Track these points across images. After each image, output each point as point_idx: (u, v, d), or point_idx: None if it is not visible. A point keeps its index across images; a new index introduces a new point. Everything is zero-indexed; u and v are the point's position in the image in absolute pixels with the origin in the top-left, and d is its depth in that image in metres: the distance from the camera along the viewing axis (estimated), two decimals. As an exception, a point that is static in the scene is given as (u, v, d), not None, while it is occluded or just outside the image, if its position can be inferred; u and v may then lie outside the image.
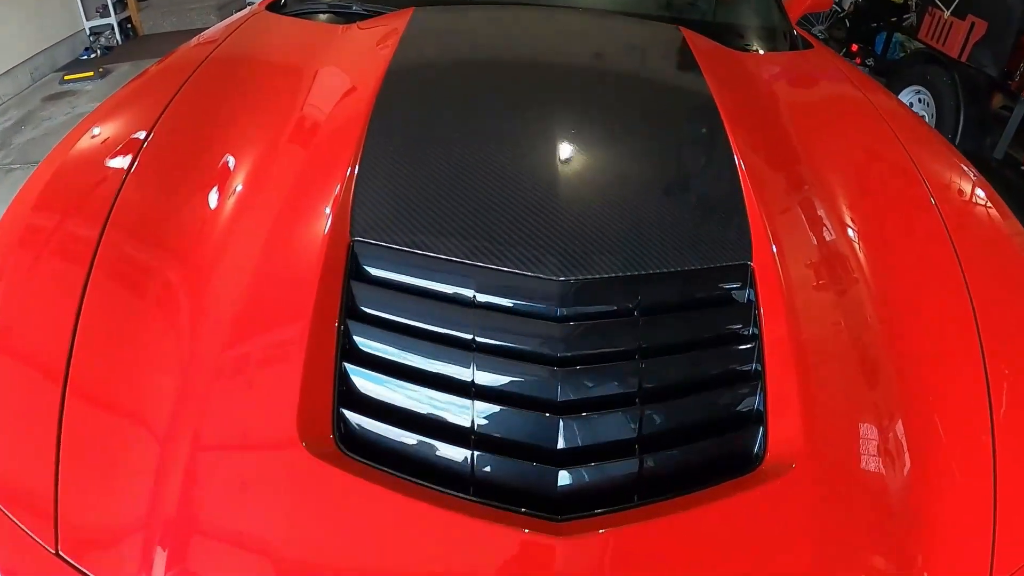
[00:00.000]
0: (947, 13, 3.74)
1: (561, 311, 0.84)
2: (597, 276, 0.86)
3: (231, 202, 1.00)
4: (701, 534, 0.70)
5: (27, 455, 0.75)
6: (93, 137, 1.14)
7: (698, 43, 1.49)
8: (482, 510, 0.70)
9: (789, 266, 0.94)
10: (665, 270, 0.89)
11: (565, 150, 1.06)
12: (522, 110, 1.15)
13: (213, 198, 1.02)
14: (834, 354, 0.88)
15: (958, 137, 3.53)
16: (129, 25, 6.40)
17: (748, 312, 0.89)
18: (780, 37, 1.80)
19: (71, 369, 0.80)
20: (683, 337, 0.86)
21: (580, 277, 0.85)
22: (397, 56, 1.28)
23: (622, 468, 0.74)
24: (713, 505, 0.71)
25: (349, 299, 0.85)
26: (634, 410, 0.78)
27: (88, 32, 6.00)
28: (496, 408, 0.76)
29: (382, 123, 1.08)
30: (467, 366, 0.79)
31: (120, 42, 6.16)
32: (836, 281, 0.97)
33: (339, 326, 0.82)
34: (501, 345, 0.81)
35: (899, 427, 0.82)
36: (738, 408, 0.82)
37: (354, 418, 0.77)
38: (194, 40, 1.60)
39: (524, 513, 0.70)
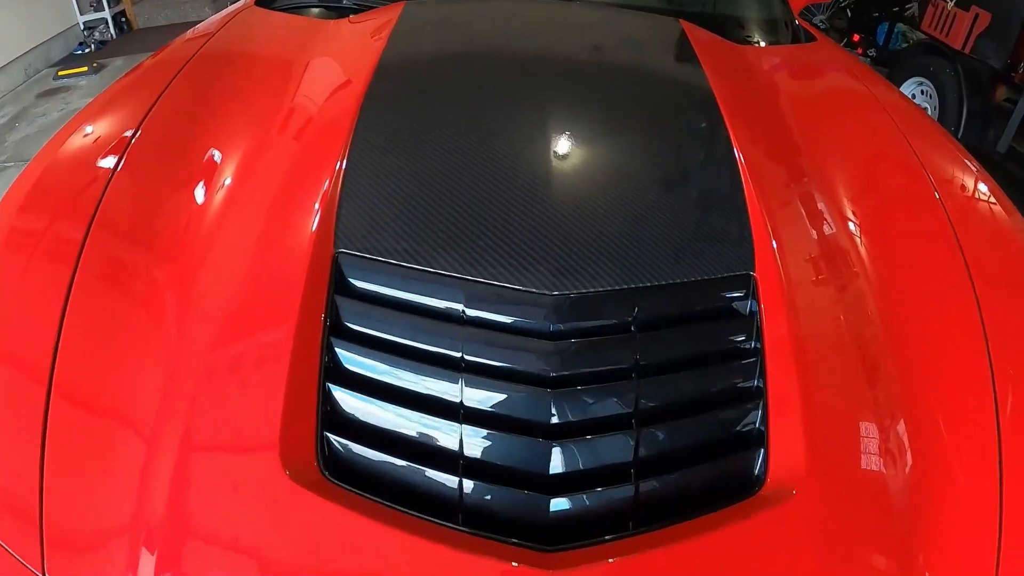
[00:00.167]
0: (951, 4, 3.69)
1: (554, 327, 0.80)
2: (592, 290, 0.82)
3: (216, 202, 0.98)
4: (698, 566, 0.67)
5: (10, 465, 0.74)
6: (81, 135, 1.12)
7: (698, 36, 1.45)
8: (470, 541, 0.67)
9: (792, 271, 0.91)
10: (664, 282, 0.85)
11: (559, 150, 1.02)
12: (515, 107, 1.12)
13: (199, 197, 1.00)
14: (837, 364, 0.85)
15: (961, 130, 3.49)
16: (123, 19, 6.34)
17: (750, 325, 0.86)
18: (782, 29, 1.76)
19: (55, 375, 0.78)
20: (682, 353, 0.83)
21: (574, 291, 0.82)
22: (387, 52, 1.24)
23: (617, 494, 0.71)
24: (711, 535, 0.68)
25: (333, 314, 0.82)
26: (630, 433, 0.75)
27: (82, 27, 5.94)
28: (486, 432, 0.73)
29: (369, 123, 1.05)
30: (456, 387, 0.76)
31: (114, 36, 6.11)
32: (840, 285, 0.94)
33: (323, 343, 0.79)
34: (491, 364, 0.78)
35: (906, 445, 0.80)
36: (738, 428, 0.79)
37: (338, 441, 0.74)
38: (184, 36, 1.57)
39: (514, 544, 0.67)
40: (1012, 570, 0.73)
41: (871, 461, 0.78)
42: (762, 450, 0.76)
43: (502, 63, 1.29)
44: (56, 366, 0.79)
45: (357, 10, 1.55)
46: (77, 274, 0.87)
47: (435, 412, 0.75)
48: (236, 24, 1.57)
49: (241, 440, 0.74)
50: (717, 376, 0.82)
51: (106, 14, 6.03)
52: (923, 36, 4.04)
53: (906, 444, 0.80)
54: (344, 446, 0.74)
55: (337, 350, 0.79)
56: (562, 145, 1.04)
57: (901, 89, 3.91)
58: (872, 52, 4.98)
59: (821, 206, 1.07)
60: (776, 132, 1.22)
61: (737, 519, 0.70)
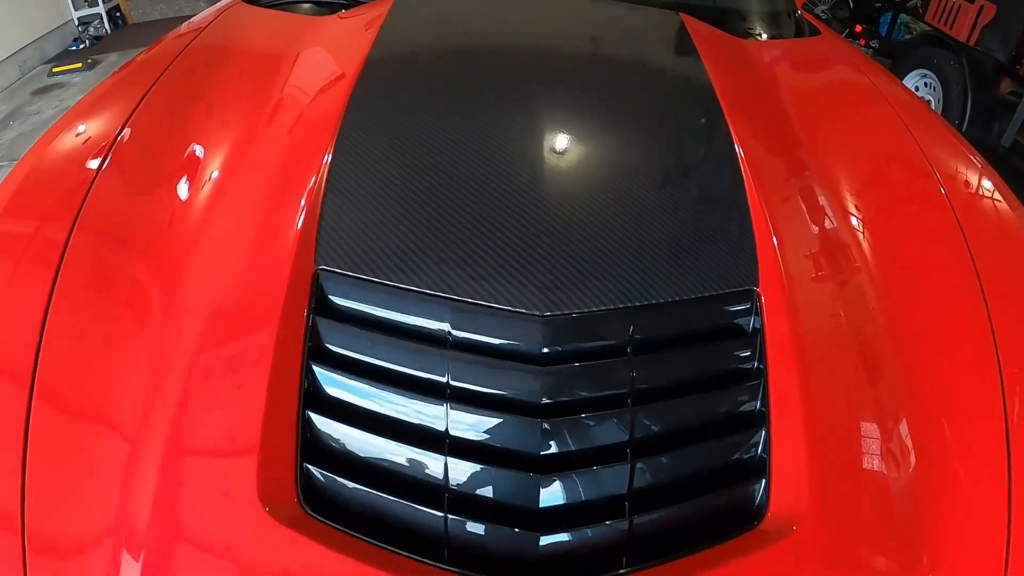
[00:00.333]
0: (955, -6, 3.64)
1: (545, 351, 0.77)
2: (585, 311, 0.78)
3: (199, 202, 0.95)
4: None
5: None
6: (68, 135, 1.10)
7: (698, 30, 1.41)
8: None
9: (796, 281, 0.87)
10: (661, 300, 0.81)
11: (553, 153, 0.98)
12: (507, 107, 1.07)
13: (182, 196, 0.98)
14: (842, 379, 0.81)
15: (965, 123, 3.44)
16: (118, 14, 6.29)
17: (753, 344, 0.82)
18: (785, 22, 1.72)
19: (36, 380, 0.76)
20: (681, 376, 0.79)
21: (566, 313, 0.78)
22: (375, 48, 1.20)
23: (610, 530, 0.68)
24: (709, 573, 0.65)
25: (313, 337, 0.78)
26: (624, 464, 0.71)
27: (76, 22, 5.89)
28: (472, 465, 0.70)
29: (355, 124, 1.01)
30: (441, 416, 0.73)
31: (109, 31, 6.06)
32: (846, 293, 0.90)
33: (302, 367, 0.76)
34: (478, 391, 0.74)
35: (916, 475, 0.76)
36: (739, 456, 0.76)
37: (319, 474, 0.71)
38: (173, 32, 1.54)
39: None
40: None
41: (878, 491, 0.74)
42: (763, 480, 0.73)
43: (494, 59, 1.25)
44: (38, 369, 0.77)
45: (346, 5, 1.51)
46: (59, 276, 0.84)
47: (419, 443, 0.71)
48: (223, 21, 1.54)
49: (218, 472, 0.70)
50: (717, 401, 0.78)
51: (100, 9, 5.98)
52: (927, 27, 3.99)
53: (917, 474, 0.76)
54: (325, 477, 0.71)
55: (317, 376, 0.76)
56: (556, 147, 0.99)
57: (904, 81, 3.86)
58: (874, 43, 4.92)
59: (825, 205, 1.03)
60: (779, 129, 1.18)
61: (735, 556, 0.67)
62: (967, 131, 3.39)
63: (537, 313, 0.77)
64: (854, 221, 1.03)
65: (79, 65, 5.20)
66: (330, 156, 0.95)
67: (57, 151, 1.07)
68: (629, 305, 0.80)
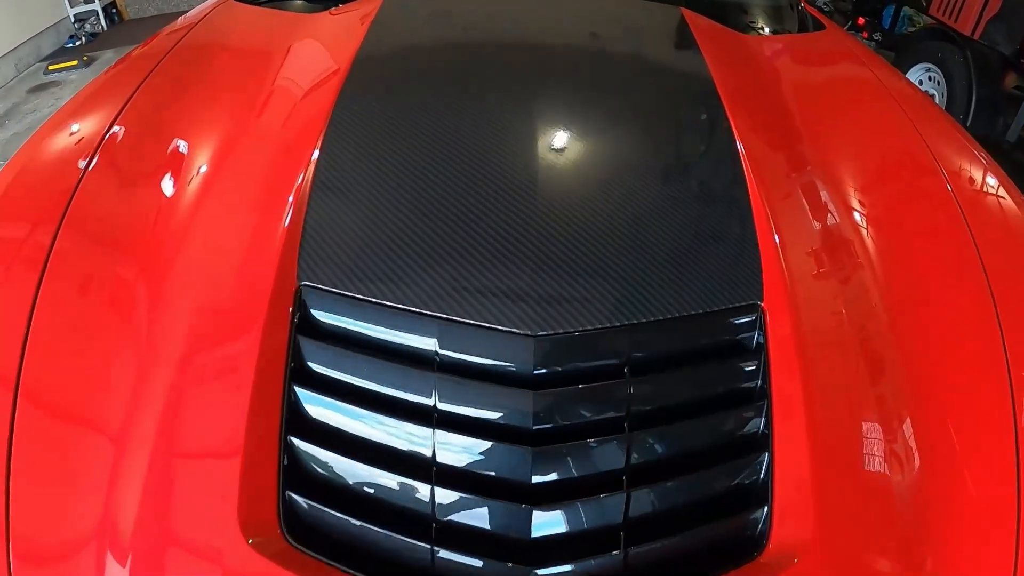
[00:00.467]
0: (959, -13, 3.59)
1: (537, 373, 0.73)
2: (580, 330, 0.75)
3: (186, 202, 0.93)
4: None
5: None
6: (58, 134, 1.09)
7: (698, 24, 1.37)
8: None
9: (801, 289, 0.84)
10: (660, 317, 0.77)
11: (548, 156, 0.94)
12: (500, 106, 1.03)
13: (168, 196, 0.96)
14: (848, 393, 0.78)
15: (969, 118, 3.40)
16: (114, 10, 6.24)
17: (756, 362, 0.78)
18: (788, 17, 1.69)
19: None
20: (680, 399, 0.75)
21: (560, 332, 0.74)
22: (366, 44, 1.16)
23: (604, 563, 0.65)
24: None
25: (296, 357, 0.75)
26: (620, 493, 0.68)
27: (73, 19, 5.85)
28: (460, 495, 0.67)
29: (343, 123, 0.98)
30: (428, 441, 0.70)
31: (105, 28, 6.01)
32: (853, 302, 0.87)
33: (284, 389, 0.73)
34: (466, 416, 0.71)
35: (922, 493, 0.73)
36: (740, 483, 0.72)
37: (302, 502, 0.68)
38: (165, 29, 1.52)
39: None
40: None
41: (885, 517, 0.71)
42: (765, 507, 0.70)
43: (488, 55, 1.21)
44: (22, 373, 0.75)
45: (337, 2, 1.48)
46: (44, 277, 0.83)
47: (405, 470, 0.69)
48: (214, 17, 1.51)
49: (199, 504, 0.68)
50: (719, 424, 0.75)
51: (96, 6, 5.93)
52: (931, 20, 3.94)
53: (925, 499, 0.73)
54: (308, 506, 0.68)
55: (300, 397, 0.73)
56: (550, 148, 0.96)
57: (908, 75, 3.82)
58: (877, 36, 4.87)
59: (829, 204, 1.00)
60: (781, 125, 1.15)
61: None
62: (971, 126, 3.35)
63: (529, 332, 0.74)
64: (859, 219, 1.00)
65: (75, 62, 5.16)
66: (317, 154, 0.93)
67: (45, 151, 1.06)
68: (626, 323, 0.76)
